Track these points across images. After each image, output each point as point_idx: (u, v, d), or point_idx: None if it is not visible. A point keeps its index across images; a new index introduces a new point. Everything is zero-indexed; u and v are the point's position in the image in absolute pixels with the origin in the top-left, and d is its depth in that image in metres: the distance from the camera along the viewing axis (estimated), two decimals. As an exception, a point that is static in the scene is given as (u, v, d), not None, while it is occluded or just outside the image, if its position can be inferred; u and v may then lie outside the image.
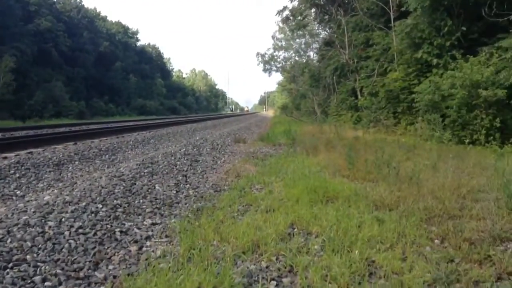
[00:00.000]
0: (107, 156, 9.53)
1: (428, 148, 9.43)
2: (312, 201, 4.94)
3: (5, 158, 8.00)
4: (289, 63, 48.46)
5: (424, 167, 6.67)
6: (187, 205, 5.24)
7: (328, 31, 29.34)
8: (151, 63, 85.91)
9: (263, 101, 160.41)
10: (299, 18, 27.00)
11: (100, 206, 4.66)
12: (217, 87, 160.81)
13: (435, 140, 10.88)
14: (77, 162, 8.41)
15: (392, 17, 16.74)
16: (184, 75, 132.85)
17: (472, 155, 8.17)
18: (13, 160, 7.62)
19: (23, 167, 7.26)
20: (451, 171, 6.16)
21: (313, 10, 28.02)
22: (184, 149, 10.05)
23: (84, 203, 4.64)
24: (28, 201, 4.90)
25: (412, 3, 12.84)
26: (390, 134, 13.94)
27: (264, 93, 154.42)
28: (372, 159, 7.19)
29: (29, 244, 3.39)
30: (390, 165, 6.34)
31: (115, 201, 4.95)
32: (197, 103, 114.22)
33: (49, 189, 5.99)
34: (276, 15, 28.52)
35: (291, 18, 27.49)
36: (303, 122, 25.42)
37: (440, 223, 4.05)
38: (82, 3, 61.80)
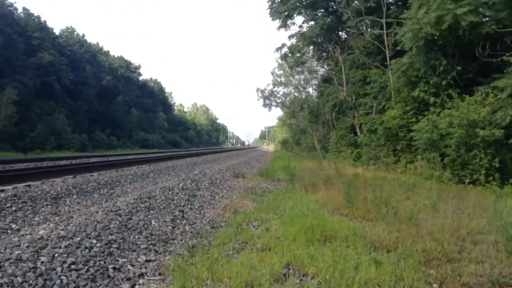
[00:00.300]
0: (105, 190, 9.49)
1: (428, 187, 9.38)
2: (309, 240, 4.88)
3: (2, 191, 7.96)
4: (288, 98, 49.04)
5: (423, 207, 6.63)
6: (183, 241, 5.19)
7: (326, 68, 29.84)
8: (153, 97, 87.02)
9: (263, 136, 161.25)
10: (297, 55, 27.55)
11: (94, 241, 4.61)
12: (218, 121, 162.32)
13: (435, 179, 10.84)
14: (75, 196, 8.37)
15: (388, 55, 17.05)
16: (185, 109, 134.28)
17: (472, 195, 8.11)
18: (10, 193, 7.59)
19: (20, 200, 7.23)
20: (450, 212, 6.11)
21: (311, 47, 28.60)
22: (182, 184, 10.02)
23: (78, 238, 4.59)
24: (22, 235, 4.85)
25: (407, 42, 13.11)
26: (390, 172, 13.90)
27: (265, 127, 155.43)
28: (372, 198, 7.15)
29: (19, 279, 3.34)
30: (389, 205, 6.29)
31: (110, 236, 4.90)
32: (199, 137, 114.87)
33: (45, 223, 5.94)
34: (275, 52, 29.11)
35: (289, 55, 28.01)
36: (303, 158, 25.41)
37: (438, 266, 3.98)
38: (85, 38, 63.24)
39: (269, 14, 26.86)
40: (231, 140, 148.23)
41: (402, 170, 13.58)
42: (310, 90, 43.85)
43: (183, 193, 8.77)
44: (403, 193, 8.33)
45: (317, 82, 38.60)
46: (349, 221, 6.23)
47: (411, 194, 8.32)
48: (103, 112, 58.39)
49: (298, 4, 24.90)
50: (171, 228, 5.82)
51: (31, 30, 46.41)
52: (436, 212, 6.22)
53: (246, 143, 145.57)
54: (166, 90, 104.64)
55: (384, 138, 15.44)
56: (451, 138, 10.81)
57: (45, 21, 51.51)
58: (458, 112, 10.58)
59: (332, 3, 24.91)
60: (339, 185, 9.49)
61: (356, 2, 20.09)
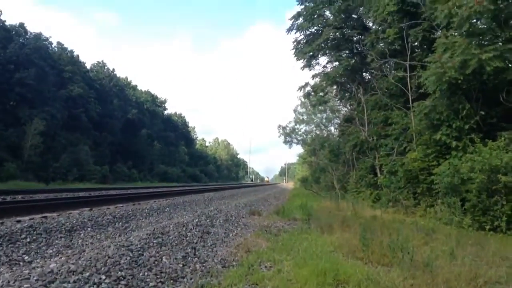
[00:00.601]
0: (120, 223, 9.53)
1: (447, 232, 9.11)
2: (320, 284, 4.77)
3: (19, 221, 8.08)
4: (310, 136, 49.03)
5: (441, 253, 6.43)
6: (192, 280, 5.12)
7: (349, 107, 29.89)
8: (176, 131, 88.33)
9: (283, 172, 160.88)
10: (320, 94, 27.67)
11: (103, 277, 4.60)
12: (238, 156, 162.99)
13: (455, 224, 10.52)
14: (89, 229, 8.42)
15: (410, 98, 17.00)
16: (207, 144, 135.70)
17: (493, 242, 7.83)
18: (26, 224, 7.69)
19: (35, 232, 7.30)
20: (469, 259, 5.91)
21: (334, 87, 28.78)
22: (197, 220, 9.99)
23: (88, 273, 4.59)
24: (34, 267, 4.88)
25: (430, 85, 13.02)
26: (409, 215, 13.59)
27: (285, 164, 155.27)
28: (388, 242, 6.97)
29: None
30: (406, 250, 6.12)
31: (119, 272, 4.88)
32: (218, 172, 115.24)
33: (57, 256, 5.97)
34: (297, 90, 29.37)
35: (312, 94, 28.18)
36: (321, 197, 25.14)
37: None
38: (115, 72, 65.23)
39: (294, 54, 27.33)
40: (251, 176, 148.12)
41: (422, 214, 13.25)
42: (332, 129, 43.89)
43: (197, 230, 8.72)
44: (421, 238, 8.11)
45: (338, 121, 38.66)
46: (363, 265, 6.08)
47: (429, 239, 8.10)
48: (126, 144, 59.41)
49: (323, 45, 25.30)
50: (181, 265, 5.77)
51: (64, 64, 48.18)
52: (453, 259, 6.02)
53: (266, 179, 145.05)
54: (190, 125, 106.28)
55: (404, 180, 15.17)
56: (472, 183, 10.53)
57: (77, 55, 53.60)
58: (480, 157, 10.36)
59: (357, 45, 25.25)
60: (355, 227, 9.30)
61: (380, 44, 20.28)
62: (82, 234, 7.90)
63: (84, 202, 13.23)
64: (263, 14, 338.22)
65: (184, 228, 8.59)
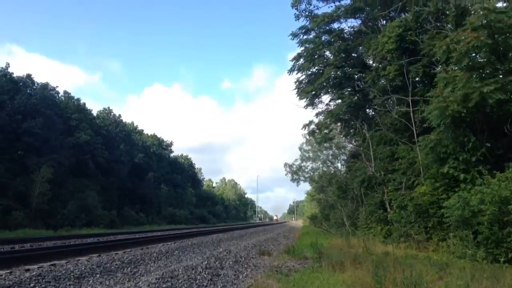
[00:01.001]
0: (129, 269, 9.43)
1: (461, 266, 8.92)
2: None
3: (28, 270, 8.04)
4: (317, 173, 48.93)
5: (456, 288, 6.29)
6: (203, 325, 5.03)
7: (354, 144, 29.94)
8: (182, 173, 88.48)
9: (292, 210, 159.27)
10: (325, 131, 27.83)
11: (113, 324, 4.53)
12: (246, 195, 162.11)
13: (469, 258, 10.31)
14: (98, 275, 8.35)
15: (415, 132, 17.05)
16: (214, 184, 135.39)
17: (508, 275, 7.65)
18: (35, 273, 7.65)
19: (44, 280, 7.26)
20: (485, 294, 5.77)
21: (338, 124, 28.98)
22: (206, 262, 9.87)
23: (97, 321, 4.53)
24: (42, 317, 4.83)
25: (434, 119, 13.07)
26: (421, 250, 13.34)
27: (293, 202, 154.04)
28: (401, 278, 6.84)
29: None
30: (419, 286, 6.01)
31: (129, 319, 4.81)
32: (226, 212, 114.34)
33: (66, 304, 5.91)
34: (302, 128, 29.59)
35: (317, 131, 28.36)
36: (332, 234, 24.78)
37: None
38: (121, 118, 66.18)
39: (296, 93, 27.77)
40: (259, 215, 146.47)
41: (434, 248, 13.01)
42: (339, 165, 43.83)
43: (206, 272, 8.61)
44: (434, 273, 7.96)
45: (345, 158, 38.65)
46: (377, 304, 5.95)
47: (443, 274, 7.94)
48: (133, 188, 59.37)
49: (324, 84, 25.72)
50: (191, 310, 5.68)
51: (70, 112, 48.97)
52: (469, 295, 5.88)
53: (275, 218, 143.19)
54: (196, 166, 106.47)
55: (414, 214, 14.99)
56: (483, 215, 10.39)
57: (84, 104, 54.57)
58: (490, 189, 10.26)
59: (358, 82, 25.63)
60: (367, 264, 9.15)
61: (382, 81, 20.56)
62: (91, 281, 7.83)
63: (93, 248, 13.15)
64: (265, 56, 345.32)
65: (193, 271, 8.50)
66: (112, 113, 64.62)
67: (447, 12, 16.21)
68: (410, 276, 6.61)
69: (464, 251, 10.83)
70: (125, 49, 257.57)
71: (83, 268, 8.59)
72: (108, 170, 52.96)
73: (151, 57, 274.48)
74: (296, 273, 9.14)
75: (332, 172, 43.09)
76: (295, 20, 26.56)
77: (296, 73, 27.24)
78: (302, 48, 26.33)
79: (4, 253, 11.40)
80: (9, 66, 42.22)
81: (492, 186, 10.23)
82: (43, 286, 6.95)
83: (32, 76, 45.21)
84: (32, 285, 6.90)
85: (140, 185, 62.04)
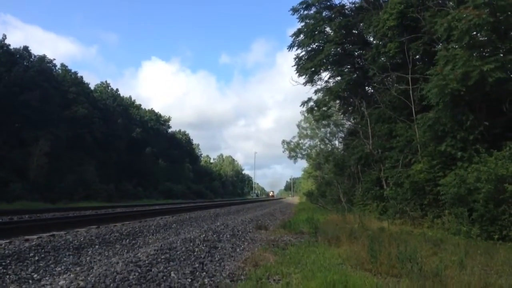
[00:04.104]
0: (127, 240, 9.54)
1: (455, 243, 9.06)
2: (329, 297, 4.75)
3: (27, 240, 8.12)
4: (314, 150, 49.11)
5: (450, 263, 6.40)
6: (201, 295, 5.12)
7: (352, 121, 29.92)
8: (180, 148, 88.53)
9: (289, 187, 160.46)
10: (323, 109, 27.77)
11: (112, 293, 4.61)
12: (243, 172, 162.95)
13: (463, 234, 10.46)
14: (97, 246, 8.44)
15: (414, 110, 17.04)
16: (211, 160, 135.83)
17: (502, 252, 7.78)
18: (34, 243, 7.73)
19: (43, 250, 7.33)
20: (478, 269, 5.88)
21: (337, 101, 28.87)
22: (204, 235, 9.98)
23: (97, 289, 4.61)
24: (43, 285, 4.92)
25: (433, 98, 13.04)
26: (416, 227, 13.51)
27: (290, 179, 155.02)
28: (396, 253, 6.94)
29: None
30: (414, 260, 6.10)
31: (128, 288, 4.89)
32: (223, 188, 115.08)
33: (66, 273, 5.99)
34: (300, 106, 29.48)
35: (315, 108, 28.28)
36: (328, 210, 25.02)
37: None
38: (118, 92, 65.80)
39: (296, 70, 27.52)
40: (256, 191, 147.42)
41: (429, 225, 13.18)
42: (336, 142, 43.98)
43: (204, 245, 8.72)
44: (429, 249, 8.08)
45: (342, 135, 38.72)
46: (372, 276, 6.05)
47: (437, 250, 8.07)
48: (131, 163, 59.54)
49: (324, 60, 25.46)
50: (190, 280, 5.76)
51: (68, 85, 48.64)
52: (463, 269, 5.99)
53: (270, 193, 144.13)
54: (193, 142, 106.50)
55: (410, 192, 15.14)
56: (479, 193, 10.49)
57: (81, 77, 54.14)
58: (486, 167, 10.34)
59: (358, 59, 25.43)
60: (363, 239, 9.26)
61: (382, 58, 20.40)
62: (90, 252, 7.92)
63: (91, 220, 13.27)
64: (264, 31, 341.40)
65: (191, 244, 8.60)
66: (109, 87, 64.22)
67: (450, -11, 16.00)
68: (404, 251, 6.69)
69: (458, 228, 10.97)
70: (122, 21, 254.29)
71: (82, 239, 8.68)
72: (105, 144, 52.96)
73: (150, 31, 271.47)
74: (292, 247, 9.25)
75: (329, 149, 43.26)
76: (296, -6, 26.17)
77: (296, 49, 26.94)
78: (303, 24, 25.97)
79: (3, 223, 11.50)
80: (6, 38, 41.71)
81: (489, 164, 10.30)
82: (42, 256, 7.02)
83: (29, 48, 44.74)
84: (31, 254, 6.97)
85: (138, 160, 62.20)
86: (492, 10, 11.74)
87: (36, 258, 6.87)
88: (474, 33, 12.44)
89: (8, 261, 6.43)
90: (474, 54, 12.02)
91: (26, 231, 9.61)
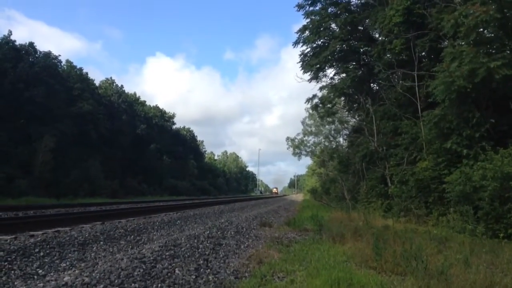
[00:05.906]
0: (132, 237, 9.56)
1: (460, 241, 9.02)
2: (334, 294, 4.74)
3: (32, 236, 8.15)
4: (318, 148, 48.98)
5: (455, 261, 6.37)
6: (206, 291, 5.12)
7: (357, 118, 29.82)
8: (184, 145, 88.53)
9: (293, 184, 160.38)
10: (328, 106, 27.69)
11: (117, 289, 4.61)
12: (247, 169, 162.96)
13: (468, 233, 10.41)
14: (102, 242, 8.46)
15: (419, 107, 16.94)
16: (216, 157, 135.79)
17: (507, 250, 7.74)
18: (39, 239, 7.75)
19: (48, 246, 7.36)
20: (483, 267, 5.85)
21: (342, 98, 28.78)
22: (208, 232, 9.99)
23: (102, 286, 4.62)
24: (48, 281, 4.92)
25: (439, 95, 12.95)
26: (421, 225, 13.46)
27: (294, 176, 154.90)
28: (401, 251, 6.91)
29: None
30: (419, 258, 6.07)
31: (133, 284, 4.90)
32: (227, 184, 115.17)
33: (71, 269, 6.01)
34: (305, 102, 29.41)
35: (320, 105, 28.21)
36: (332, 208, 24.99)
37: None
38: (123, 89, 65.82)
39: (301, 67, 27.43)
40: (260, 188, 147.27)
41: (434, 223, 13.12)
42: (341, 140, 43.82)
43: (209, 242, 8.72)
44: (434, 247, 8.04)
45: (347, 132, 38.57)
46: (377, 274, 6.04)
47: (442, 248, 8.03)
48: (135, 159, 59.65)
49: (329, 57, 25.37)
50: (194, 277, 5.76)
51: (73, 81, 48.67)
52: (468, 267, 5.95)
53: (274, 190, 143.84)
54: (198, 138, 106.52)
55: (415, 189, 15.07)
56: (484, 191, 10.43)
57: (86, 73, 54.18)
58: (492, 165, 10.27)
59: (364, 56, 25.30)
60: (368, 237, 9.24)
61: (387, 55, 20.28)
62: (94, 248, 7.94)
63: (96, 216, 13.30)
64: (269, 27, 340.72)
65: (195, 240, 8.60)
66: (114, 83, 64.27)
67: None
68: (409, 249, 6.66)
69: (463, 226, 10.92)
70: (127, 17, 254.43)
71: (87, 235, 8.71)
72: (110, 140, 53.03)
73: (154, 27, 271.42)
74: (296, 244, 9.25)
75: (334, 146, 43.12)
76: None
77: (301, 46, 26.83)
78: (308, 20, 25.86)
79: (9, 219, 11.54)
80: (11, 34, 41.78)
81: (495, 162, 10.23)
82: (47, 251, 7.05)
83: (34, 45, 44.73)
84: (36, 250, 7.00)
85: (142, 156, 62.30)
86: (499, 7, 11.63)
87: (41, 253, 6.89)
88: (481, 29, 12.34)
89: (14, 257, 6.46)
90: (481, 51, 11.91)
91: (31, 227, 9.65)
